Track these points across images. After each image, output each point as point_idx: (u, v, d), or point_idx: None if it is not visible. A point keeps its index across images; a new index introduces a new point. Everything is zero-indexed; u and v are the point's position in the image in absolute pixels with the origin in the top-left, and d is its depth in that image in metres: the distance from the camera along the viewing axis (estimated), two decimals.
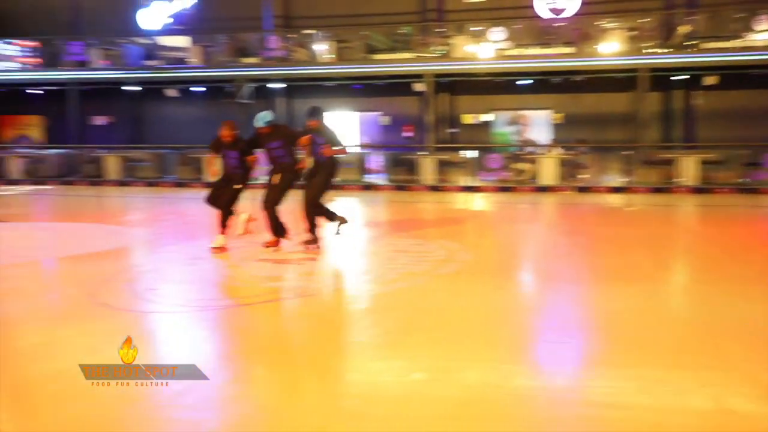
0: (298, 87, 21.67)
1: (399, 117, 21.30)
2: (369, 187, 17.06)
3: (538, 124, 19.99)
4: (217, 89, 20.33)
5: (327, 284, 6.33)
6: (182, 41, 20.68)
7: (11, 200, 15.61)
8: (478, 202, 14.54)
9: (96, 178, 18.58)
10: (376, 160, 18.58)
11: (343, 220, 7.87)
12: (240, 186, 7.50)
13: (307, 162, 7.61)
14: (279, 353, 4.28)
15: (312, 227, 7.54)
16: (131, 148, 19.96)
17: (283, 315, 5.29)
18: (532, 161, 16.61)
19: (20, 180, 19.02)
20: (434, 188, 16.53)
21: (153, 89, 21.04)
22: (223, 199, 7.47)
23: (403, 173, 17.39)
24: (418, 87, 18.93)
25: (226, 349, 4.44)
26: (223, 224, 7.44)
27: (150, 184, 17.76)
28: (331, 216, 7.78)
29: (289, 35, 20.77)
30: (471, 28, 18.64)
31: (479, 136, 20.07)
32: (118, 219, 11.75)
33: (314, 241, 7.53)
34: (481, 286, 6.01)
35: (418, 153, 17.70)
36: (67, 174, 19.24)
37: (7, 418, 3.22)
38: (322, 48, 19.88)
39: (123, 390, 3.51)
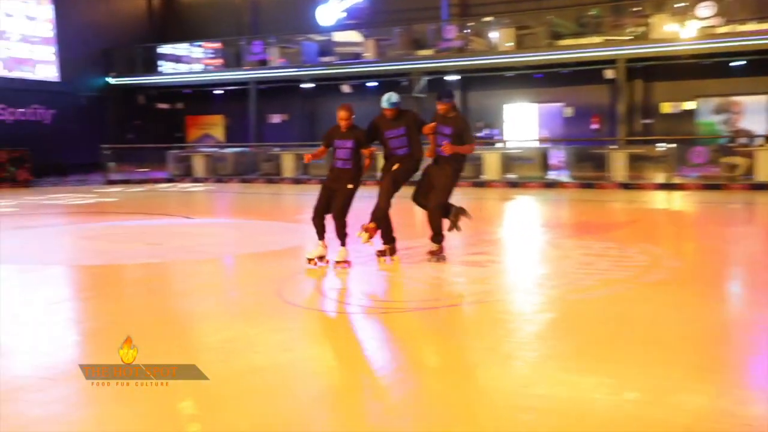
0: (474, 78, 21.58)
1: (584, 108, 20.50)
2: (551, 185, 16.57)
3: (754, 111, 18.26)
4: (391, 83, 20.81)
5: (514, 289, 6.16)
6: (356, 36, 21.44)
7: (196, 197, 17.09)
8: (679, 201, 13.55)
9: (273, 176, 19.81)
10: (558, 155, 18.00)
11: (461, 212, 6.94)
12: (353, 186, 6.66)
13: (429, 152, 6.83)
14: (468, 360, 4.20)
15: (438, 235, 6.86)
16: (305, 145, 21.04)
17: (470, 320, 5.21)
18: (747, 155, 15.18)
19: (204, 178, 20.78)
20: (625, 186, 15.68)
21: (327, 85, 22.03)
22: (337, 207, 6.63)
23: (589, 169, 16.68)
24: (609, 74, 18.06)
25: (416, 354, 4.44)
26: (342, 235, 6.60)
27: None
28: (447, 212, 6.94)
29: (467, 24, 20.76)
30: (673, 5, 17.44)
31: (679, 126, 18.74)
32: (295, 216, 12.40)
33: (440, 251, 6.89)
34: (696, 297, 5.53)
35: (609, 147, 16.87)
36: (245, 172, 20.71)
37: (201, 416, 3.44)
38: (500, 36, 19.64)
39: (328, 387, 3.62)
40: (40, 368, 3.99)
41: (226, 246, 8.93)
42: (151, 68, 24.96)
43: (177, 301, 5.90)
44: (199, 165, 21.23)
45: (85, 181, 21.15)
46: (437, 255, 6.88)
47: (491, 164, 17.34)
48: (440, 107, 6.77)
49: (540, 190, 16.11)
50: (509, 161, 17.50)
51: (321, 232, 6.70)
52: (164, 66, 25.04)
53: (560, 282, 6.14)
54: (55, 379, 3.80)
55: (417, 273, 6.58)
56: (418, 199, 6.98)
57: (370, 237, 6.61)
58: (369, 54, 20.75)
